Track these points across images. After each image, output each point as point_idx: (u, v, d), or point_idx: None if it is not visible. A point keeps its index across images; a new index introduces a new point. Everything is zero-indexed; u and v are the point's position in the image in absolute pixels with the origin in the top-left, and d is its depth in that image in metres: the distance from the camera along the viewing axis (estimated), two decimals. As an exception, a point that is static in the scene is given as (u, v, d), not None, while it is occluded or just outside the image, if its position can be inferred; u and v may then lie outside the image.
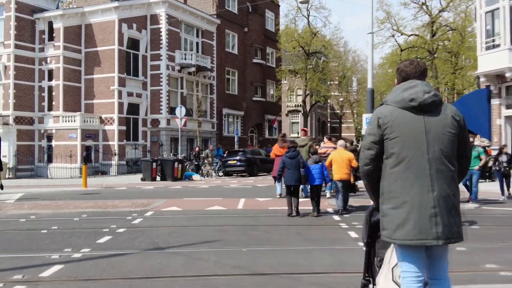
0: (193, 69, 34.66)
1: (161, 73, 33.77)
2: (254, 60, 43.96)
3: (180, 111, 27.08)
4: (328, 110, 74.33)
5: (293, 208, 10.98)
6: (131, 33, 32.93)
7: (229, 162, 29.01)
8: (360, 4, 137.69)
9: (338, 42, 46.35)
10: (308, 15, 44.27)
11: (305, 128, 16.42)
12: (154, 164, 23.83)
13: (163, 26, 33.87)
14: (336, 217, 10.81)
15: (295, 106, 62.54)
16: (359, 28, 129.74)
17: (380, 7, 33.69)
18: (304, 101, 45.61)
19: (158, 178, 24.20)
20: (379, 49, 53.89)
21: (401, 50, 33.44)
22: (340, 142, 12.66)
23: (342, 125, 66.90)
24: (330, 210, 12.05)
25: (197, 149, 27.81)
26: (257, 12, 44.55)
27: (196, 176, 24.97)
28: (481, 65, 20.97)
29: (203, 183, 22.61)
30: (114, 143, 31.68)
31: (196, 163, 26.80)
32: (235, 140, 38.37)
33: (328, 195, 14.19)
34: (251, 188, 18.43)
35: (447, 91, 33.48)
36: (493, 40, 20.57)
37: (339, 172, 11.39)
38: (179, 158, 25.45)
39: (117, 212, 11.91)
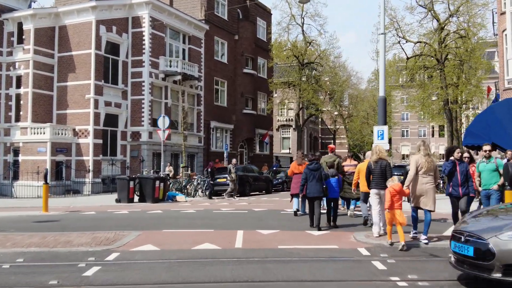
0: (178, 77, 31.42)
1: (143, 81, 30.50)
2: (245, 70, 40.93)
3: (163, 122, 23.79)
4: (320, 126, 71.56)
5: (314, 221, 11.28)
6: (110, 36, 29.70)
7: (218, 180, 25.73)
8: (356, 12, 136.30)
9: (333, 52, 43.39)
10: (303, 23, 41.49)
11: (332, 146, 16.15)
12: (132, 182, 20.43)
13: (146, 29, 30.71)
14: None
15: (286, 120, 59.59)
16: (351, 44, 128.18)
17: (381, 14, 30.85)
18: (298, 115, 42.56)
19: (136, 198, 20.82)
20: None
21: (407, 58, 30.70)
22: (368, 153, 12.05)
23: (336, 141, 63.91)
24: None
25: (212, 164, 24.66)
26: (248, 19, 41.66)
27: (180, 197, 21.62)
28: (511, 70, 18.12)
29: (189, 205, 19.26)
30: (89, 158, 28.21)
31: (211, 182, 23.71)
32: (224, 156, 35.11)
33: (348, 213, 14.26)
34: (248, 214, 15.13)
35: (456, 104, 30.63)
36: (528, 41, 17.78)
37: (365, 185, 11.18)
38: (161, 175, 22.09)
39: (68, 254, 8.55)
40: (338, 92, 49.09)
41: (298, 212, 14.27)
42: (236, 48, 40.50)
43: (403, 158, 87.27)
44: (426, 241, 9.12)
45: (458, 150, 10.03)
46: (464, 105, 35.43)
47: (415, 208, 9.52)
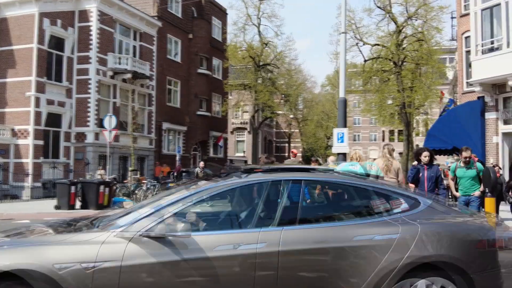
0: (128, 75, 29.69)
1: (90, 79, 28.58)
2: (199, 70, 39.50)
3: (110, 121, 22.06)
4: (274, 129, 70.96)
5: None
6: (54, 30, 27.65)
7: (169, 184, 24.24)
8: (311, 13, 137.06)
9: (289, 54, 42.72)
10: (259, 24, 40.56)
11: (294, 150, 16.37)
12: (73, 187, 18.67)
13: (94, 24, 28.83)
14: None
15: (241, 123, 58.53)
16: (306, 50, 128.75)
17: (341, 14, 30.35)
18: (253, 117, 41.50)
19: (78, 205, 19.07)
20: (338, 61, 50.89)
21: (365, 61, 30.21)
22: (331, 158, 13.22)
23: (291, 144, 63.36)
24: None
25: (180, 168, 22.78)
26: (203, 18, 40.28)
27: (127, 203, 19.94)
28: (476, 72, 17.64)
29: (136, 212, 17.71)
30: (29, 161, 26.04)
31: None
32: (177, 159, 33.54)
33: None
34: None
35: (412, 108, 30.38)
36: (492, 43, 17.32)
37: None
38: (106, 180, 20.41)
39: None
40: (293, 95, 48.42)
41: None
42: (190, 47, 39.04)
43: None
44: None
45: (425, 153, 8.89)
46: (416, 110, 35.46)
47: None
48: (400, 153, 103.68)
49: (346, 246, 4.24)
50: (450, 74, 50.03)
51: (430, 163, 8.76)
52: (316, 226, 4.44)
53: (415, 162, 8.81)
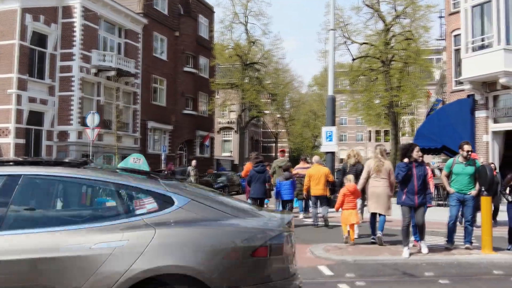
0: (113, 73, 29.07)
1: (73, 76, 27.92)
2: (186, 69, 38.97)
3: (93, 119, 21.47)
4: (261, 129, 70.62)
5: None
6: (37, 26, 26.94)
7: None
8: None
9: (277, 53, 42.38)
10: (246, 22, 40.17)
11: (284, 149, 17.20)
12: (55, 187, 18.09)
13: (78, 20, 28.18)
14: None
15: (228, 123, 58.08)
16: (296, 49, 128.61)
17: (329, 12, 30.08)
18: (240, 116, 41.07)
19: (60, 205, 18.48)
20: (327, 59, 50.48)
21: (353, 59, 29.96)
22: (316, 158, 12.90)
23: (278, 144, 63.01)
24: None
25: (172, 167, 21.65)
26: (190, 16, 39.75)
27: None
28: (466, 70, 17.45)
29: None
30: (9, 160, 25.29)
31: None
32: (162, 158, 32.99)
33: (301, 216, 14.30)
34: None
35: (399, 107, 30.21)
36: (482, 40, 17.12)
37: (315, 188, 11.85)
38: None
39: None
40: (280, 94, 48.10)
41: None
42: (176, 45, 38.50)
43: (341, 162, 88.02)
44: (380, 234, 8.98)
45: (417, 148, 8.17)
46: (403, 109, 35.42)
47: (373, 214, 9.34)
48: (388, 153, 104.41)
49: (50, 257, 3.48)
50: (436, 74, 50.14)
51: (420, 161, 8.17)
52: (19, 233, 3.60)
53: (406, 159, 7.99)
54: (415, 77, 30.03)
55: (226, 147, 58.59)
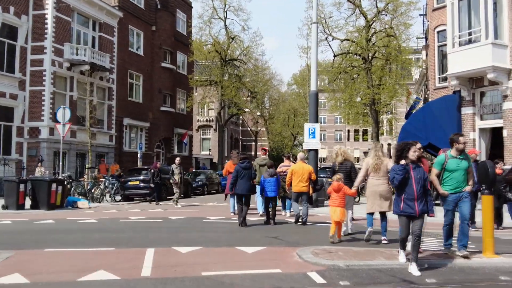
0: (86, 67, 27.91)
1: (44, 70, 26.71)
2: (163, 64, 37.94)
3: (63, 114, 20.39)
4: (241, 127, 69.84)
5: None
6: (7, 17, 25.66)
7: (129, 183, 22.79)
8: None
9: (257, 50, 41.66)
10: (225, 18, 39.38)
11: (265, 148, 16.94)
12: (22, 185, 17.01)
13: (50, 12, 26.98)
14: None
15: (207, 120, 57.15)
16: (277, 48, 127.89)
17: (310, 7, 29.49)
18: (219, 113, 40.20)
19: (28, 204, 17.41)
20: (309, 54, 49.81)
21: (334, 56, 29.41)
22: (300, 154, 12.62)
23: (257, 143, 62.25)
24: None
25: (158, 165, 20.74)
26: (167, 10, 38.71)
27: (83, 203, 18.47)
28: (452, 65, 16.96)
29: (92, 212, 16.27)
30: (-24, 157, 24.05)
31: (154, 183, 19.80)
32: (138, 156, 31.94)
33: (288, 214, 14.14)
34: (162, 224, 12.52)
35: (380, 105, 29.78)
36: (470, 34, 16.65)
37: (298, 185, 11.68)
38: (60, 177, 18.81)
39: None
40: (260, 92, 47.42)
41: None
42: (153, 40, 37.45)
43: (321, 161, 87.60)
44: (386, 241, 8.79)
45: (414, 148, 7.01)
46: (384, 108, 35.15)
47: (371, 214, 9.12)
48: (365, 152, 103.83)
49: None
50: (416, 74, 50.04)
51: (417, 162, 7.06)
52: None
53: (403, 161, 6.92)
54: (397, 74, 29.62)
55: (205, 145, 57.64)
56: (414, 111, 42.87)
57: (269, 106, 62.96)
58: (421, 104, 43.11)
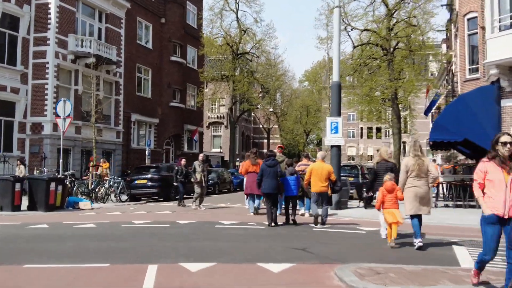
0: (92, 60, 26.49)
1: (48, 62, 25.34)
2: (173, 58, 36.46)
3: (63, 107, 18.90)
4: (252, 125, 68.28)
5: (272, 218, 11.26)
6: (7, 7, 24.32)
7: (136, 182, 21.36)
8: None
9: (270, 43, 40.05)
10: (237, 9, 37.78)
11: (282, 145, 16.95)
12: (18, 185, 15.57)
13: (53, 1, 25.60)
14: None
15: (218, 117, 55.64)
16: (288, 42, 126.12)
17: (328, -5, 27.91)
18: (231, 109, 38.64)
19: (25, 205, 15.98)
20: (329, 45, 48.27)
21: (354, 47, 27.70)
22: (321, 153, 12.34)
23: (270, 140, 60.54)
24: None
25: (183, 161, 18.87)
26: (176, 2, 37.18)
27: (85, 203, 17.02)
28: (491, 52, 15.22)
29: (93, 214, 14.79)
30: (-25, 154, 22.74)
31: (179, 182, 17.96)
32: (146, 154, 30.49)
33: (306, 214, 13.64)
34: (169, 230, 10.96)
35: (404, 97, 28.08)
36: (511, 18, 14.92)
37: (317, 185, 11.31)
38: (60, 176, 17.37)
39: None
40: (273, 87, 45.78)
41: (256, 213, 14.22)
42: (162, 32, 35.97)
43: (350, 159, 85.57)
44: (421, 243, 8.18)
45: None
46: (407, 100, 33.69)
47: (413, 216, 8.37)
48: (378, 150, 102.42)
49: None
50: (433, 68, 48.06)
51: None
52: None
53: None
54: (420, 67, 27.90)
55: (216, 142, 56.13)
56: (435, 107, 41.13)
57: (281, 103, 61.27)
58: (441, 100, 41.33)
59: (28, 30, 25.56)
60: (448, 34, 42.53)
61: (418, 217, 8.33)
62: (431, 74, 48.18)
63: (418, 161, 8.37)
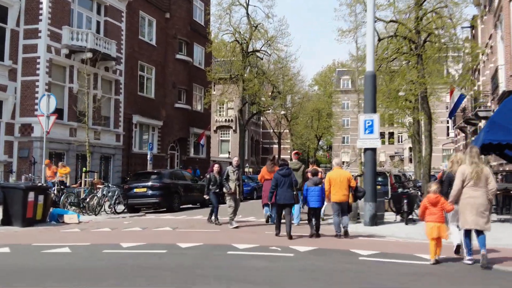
0: (88, 55, 23.92)
1: (39, 57, 22.83)
2: (178, 56, 33.90)
3: (47, 103, 16.20)
4: (261, 129, 65.64)
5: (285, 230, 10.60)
6: (-6, -4, 21.92)
7: (135, 190, 18.70)
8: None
9: (282, 41, 37.43)
10: (247, 4, 35.11)
11: (298, 151, 15.64)
12: (-11, 195, 12.96)
13: (45, -10, 23.14)
14: None
15: (226, 121, 53.05)
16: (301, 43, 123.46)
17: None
18: (240, 111, 35.96)
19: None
20: (349, 38, 45.18)
21: (379, 40, 24.97)
22: (336, 160, 12.30)
23: (281, 145, 57.72)
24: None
25: (216, 167, 14.60)
26: (183, -4, 34.66)
27: (70, 216, 14.32)
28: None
29: (75, 232, 12.12)
30: (-45, 159, 20.23)
31: (212, 193, 14.03)
32: (148, 159, 27.83)
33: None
34: (165, 259, 8.21)
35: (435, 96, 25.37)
36: None
37: (337, 193, 10.88)
38: (41, 184, 14.70)
39: None
40: (285, 87, 43.06)
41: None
42: (167, 28, 33.42)
43: (379, 165, 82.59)
44: (471, 261, 7.64)
45: None
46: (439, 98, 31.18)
47: (467, 231, 7.79)
48: (391, 156, 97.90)
49: None
50: (453, 71, 45.21)
51: None
52: None
53: None
54: (455, 62, 25.18)
55: (224, 147, 53.50)
56: (459, 109, 38.24)
57: (291, 106, 58.41)
58: (466, 101, 38.50)
59: (18, 21, 23.09)
60: (474, 31, 39.73)
61: (477, 232, 7.66)
62: (452, 76, 45.34)
63: (476, 168, 7.72)
